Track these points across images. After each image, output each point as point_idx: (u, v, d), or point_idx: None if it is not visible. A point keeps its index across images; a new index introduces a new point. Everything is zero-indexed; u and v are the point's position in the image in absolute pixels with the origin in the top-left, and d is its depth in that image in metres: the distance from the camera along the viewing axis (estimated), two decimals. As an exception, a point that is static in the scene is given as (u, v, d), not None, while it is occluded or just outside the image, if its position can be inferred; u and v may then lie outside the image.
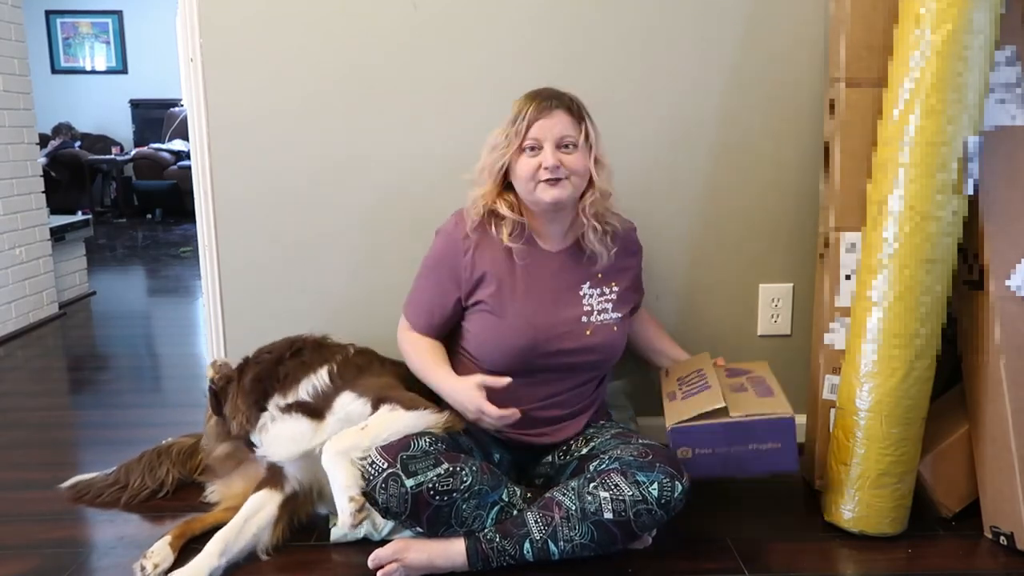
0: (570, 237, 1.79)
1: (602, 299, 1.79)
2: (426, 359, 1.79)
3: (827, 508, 1.84)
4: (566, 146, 1.68)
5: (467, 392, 1.66)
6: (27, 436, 2.50)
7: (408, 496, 1.54)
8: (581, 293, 1.78)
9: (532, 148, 1.67)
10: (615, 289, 1.81)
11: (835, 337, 1.95)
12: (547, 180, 1.66)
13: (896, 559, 1.72)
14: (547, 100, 1.68)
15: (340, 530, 1.77)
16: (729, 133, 2.14)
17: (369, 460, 1.57)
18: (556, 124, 1.67)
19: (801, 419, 2.12)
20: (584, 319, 1.76)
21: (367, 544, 1.74)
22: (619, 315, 1.80)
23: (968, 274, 1.81)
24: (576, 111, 1.70)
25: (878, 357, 1.73)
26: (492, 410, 1.63)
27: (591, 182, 1.72)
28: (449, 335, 1.84)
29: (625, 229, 1.85)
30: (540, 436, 1.81)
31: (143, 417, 2.64)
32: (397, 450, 1.56)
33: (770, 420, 1.67)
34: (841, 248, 1.92)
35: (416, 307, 1.83)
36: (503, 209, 1.72)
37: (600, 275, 1.79)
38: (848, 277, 1.92)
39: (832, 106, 1.92)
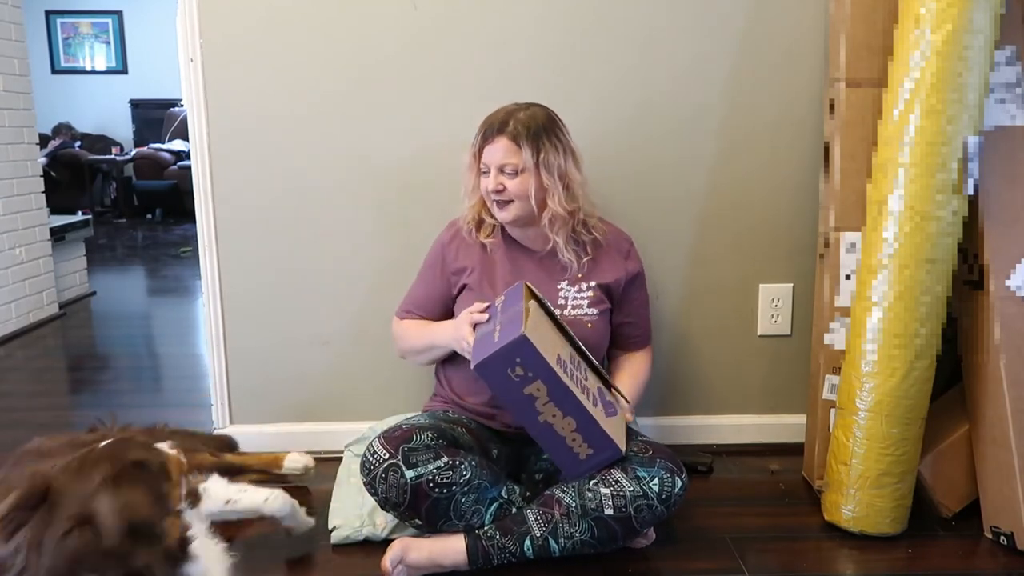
0: (548, 241, 1.83)
1: (578, 296, 1.82)
2: (419, 329, 1.88)
3: (827, 508, 1.84)
4: (509, 170, 1.73)
5: (457, 327, 1.72)
6: (27, 436, 2.47)
7: (408, 487, 1.56)
8: (558, 287, 1.82)
9: (485, 170, 1.77)
10: (591, 285, 1.83)
11: (835, 337, 1.95)
12: (495, 201, 1.77)
13: (896, 559, 1.72)
14: (493, 127, 1.75)
15: (342, 532, 1.77)
16: (729, 133, 2.14)
17: (371, 450, 1.59)
18: (498, 151, 1.73)
19: (801, 419, 2.12)
20: (557, 312, 1.77)
21: (368, 545, 1.74)
22: (595, 311, 1.82)
23: (968, 274, 1.81)
24: (517, 138, 1.72)
25: (878, 357, 1.73)
26: (467, 330, 1.68)
27: (546, 203, 1.75)
28: None
29: (617, 238, 1.89)
30: None
31: (143, 417, 2.62)
32: (399, 442, 1.58)
33: (606, 436, 1.58)
34: (841, 248, 1.92)
35: (408, 300, 1.94)
36: (487, 216, 1.84)
37: (580, 275, 1.83)
38: (848, 277, 1.92)
39: (832, 106, 1.92)
